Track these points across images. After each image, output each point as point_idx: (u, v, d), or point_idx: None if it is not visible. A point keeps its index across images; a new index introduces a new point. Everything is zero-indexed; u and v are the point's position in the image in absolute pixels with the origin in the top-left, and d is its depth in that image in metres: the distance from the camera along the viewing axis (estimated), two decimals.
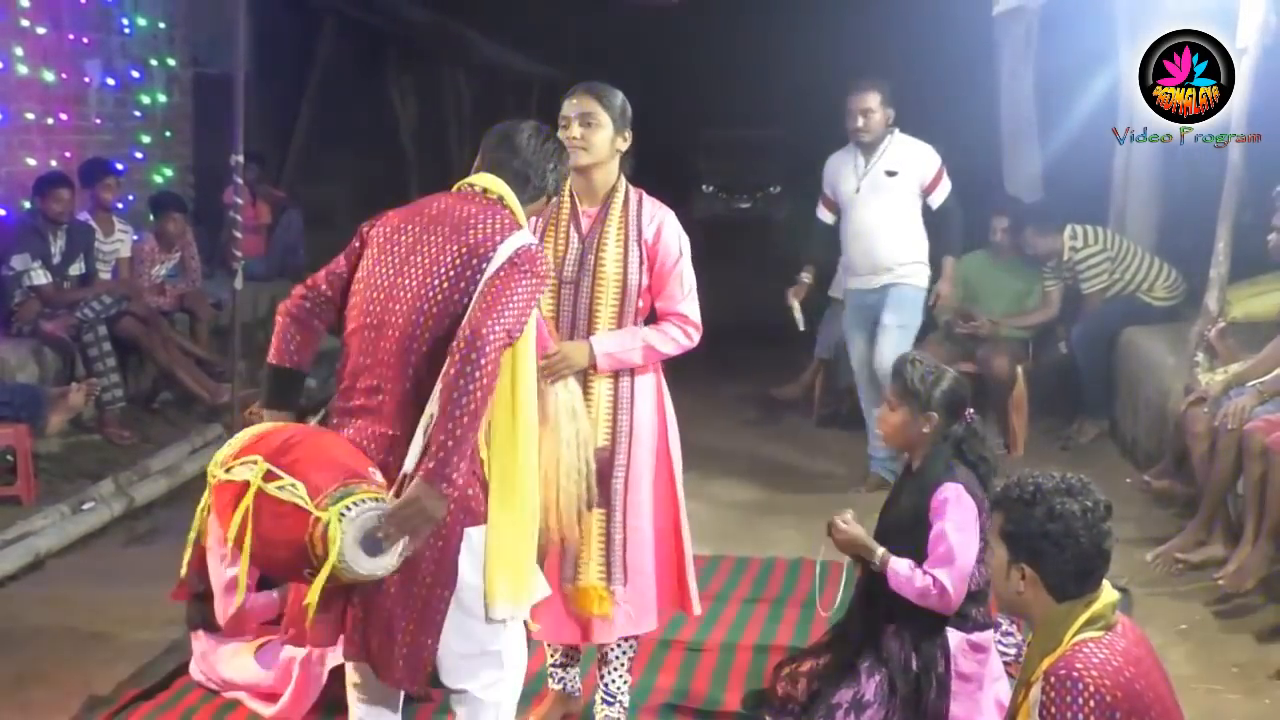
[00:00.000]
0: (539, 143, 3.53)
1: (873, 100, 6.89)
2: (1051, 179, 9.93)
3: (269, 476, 3.15)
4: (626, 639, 4.29)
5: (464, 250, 3.31)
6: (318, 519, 3.09)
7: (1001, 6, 9.32)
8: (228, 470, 3.25)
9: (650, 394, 4.19)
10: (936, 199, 7.03)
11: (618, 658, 4.32)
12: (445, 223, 3.37)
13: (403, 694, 3.58)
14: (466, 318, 3.20)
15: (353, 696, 3.56)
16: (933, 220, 7.10)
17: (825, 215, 7.31)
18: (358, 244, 3.50)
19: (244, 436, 3.35)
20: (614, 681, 4.34)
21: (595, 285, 4.08)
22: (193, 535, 3.48)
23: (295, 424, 3.50)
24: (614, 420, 4.11)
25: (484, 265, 3.27)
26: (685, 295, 4.14)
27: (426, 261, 3.33)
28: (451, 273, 3.30)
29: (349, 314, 3.44)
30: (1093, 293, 8.09)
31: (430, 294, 3.30)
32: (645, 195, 4.19)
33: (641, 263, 4.10)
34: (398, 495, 3.19)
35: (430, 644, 3.32)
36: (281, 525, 3.13)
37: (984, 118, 10.54)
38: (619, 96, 4.13)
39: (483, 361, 3.12)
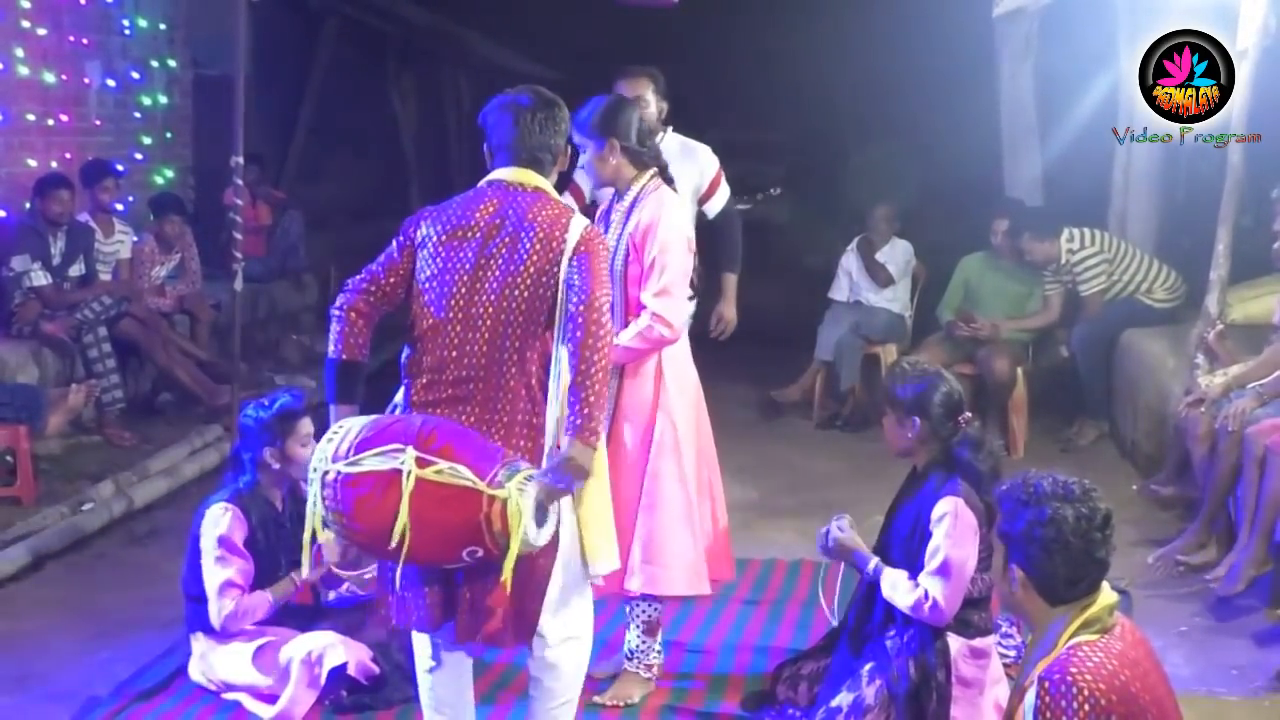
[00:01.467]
0: (535, 124, 3.70)
1: (645, 90, 5.34)
2: (1052, 181, 9.93)
3: (422, 463, 3.33)
4: (641, 601, 4.55)
5: (538, 247, 3.57)
6: (493, 497, 3.30)
7: (1002, 9, 9.32)
8: (353, 463, 3.37)
9: (642, 377, 4.41)
10: (714, 207, 5.76)
11: (636, 617, 4.61)
12: (508, 222, 3.61)
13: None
14: (577, 294, 3.52)
15: (427, 682, 3.83)
16: (709, 231, 5.79)
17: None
18: (406, 242, 3.69)
19: (352, 431, 3.47)
20: (631, 640, 4.65)
21: None
22: (309, 534, 3.55)
23: (400, 415, 3.65)
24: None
25: (560, 256, 3.56)
26: (656, 289, 4.33)
27: (501, 260, 3.58)
28: (532, 269, 3.57)
29: (422, 311, 3.63)
30: (1092, 295, 8.09)
31: (516, 291, 3.57)
32: (654, 193, 4.42)
33: (628, 253, 4.36)
34: None
35: (535, 608, 3.62)
36: (448, 508, 3.33)
37: (984, 120, 10.54)
38: (592, 113, 4.41)
39: (606, 324, 3.53)
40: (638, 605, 4.60)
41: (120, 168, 9.11)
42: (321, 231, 11.96)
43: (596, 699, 4.53)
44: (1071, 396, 8.33)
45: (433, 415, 3.58)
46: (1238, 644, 5.10)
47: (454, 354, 3.60)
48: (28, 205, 8.20)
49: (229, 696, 4.57)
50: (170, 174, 10.45)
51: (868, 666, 4.05)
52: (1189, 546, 5.75)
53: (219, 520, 4.55)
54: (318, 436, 3.88)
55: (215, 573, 4.52)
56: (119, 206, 9.00)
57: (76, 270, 8.09)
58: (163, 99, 10.39)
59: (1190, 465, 6.14)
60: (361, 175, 14.93)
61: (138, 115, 10.08)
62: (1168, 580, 5.68)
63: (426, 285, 3.64)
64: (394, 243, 3.73)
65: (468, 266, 3.60)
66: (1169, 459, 6.54)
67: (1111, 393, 8.12)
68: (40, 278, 7.78)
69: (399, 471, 3.34)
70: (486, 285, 3.59)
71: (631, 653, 4.67)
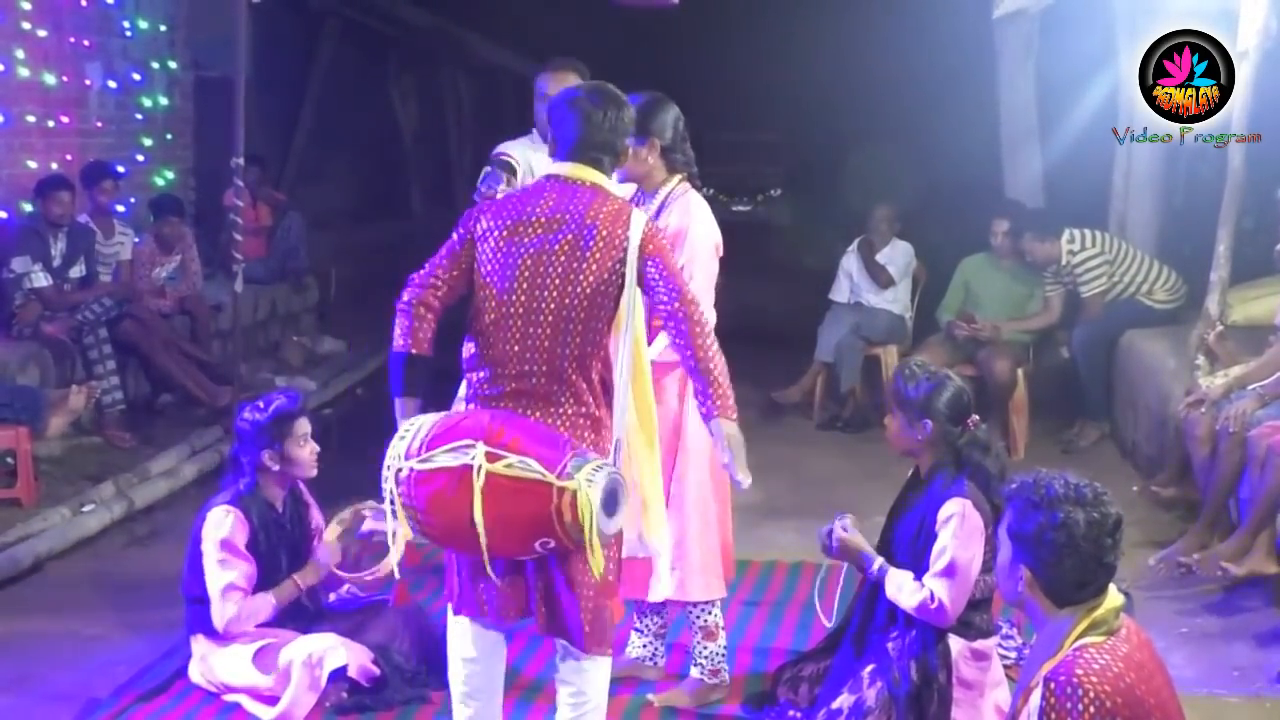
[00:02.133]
0: (604, 123, 3.74)
1: (572, 82, 4.67)
2: (1052, 183, 9.93)
3: (491, 457, 3.39)
4: (695, 606, 4.54)
5: (601, 244, 3.63)
6: (562, 489, 3.36)
7: (1001, 10, 9.32)
8: (425, 460, 3.43)
9: (670, 379, 4.38)
10: None
11: (691, 623, 4.61)
12: (569, 218, 3.65)
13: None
14: (666, 293, 3.66)
15: (462, 672, 3.85)
16: None
17: None
18: (466, 235, 3.72)
19: (423, 428, 3.52)
20: (692, 645, 4.64)
21: None
22: (400, 533, 3.58)
23: (469, 411, 3.72)
24: None
25: (624, 253, 3.64)
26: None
27: (564, 256, 3.62)
28: (595, 266, 3.62)
29: (484, 305, 3.67)
30: (1092, 296, 8.09)
31: (579, 287, 3.62)
32: (681, 198, 4.41)
33: None
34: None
35: (611, 604, 3.72)
36: (519, 500, 3.38)
37: (984, 121, 10.54)
38: (639, 110, 4.28)
39: (702, 309, 3.75)
40: (692, 611, 4.56)
41: (121, 169, 9.11)
42: (322, 233, 11.95)
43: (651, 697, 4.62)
44: (1072, 398, 8.32)
45: (499, 409, 3.64)
46: (1239, 645, 5.10)
47: (516, 348, 3.65)
48: (28, 207, 8.20)
49: (229, 698, 4.57)
50: (171, 175, 10.45)
51: (869, 668, 4.05)
52: (1190, 548, 5.74)
53: (221, 523, 4.55)
54: (376, 430, 3.92)
55: (218, 576, 4.51)
56: (119, 208, 9.00)
57: (77, 272, 8.09)
58: (163, 100, 10.38)
59: (1191, 466, 6.14)
60: (362, 177, 14.93)
61: (138, 117, 10.07)
62: (1169, 581, 5.67)
63: (488, 279, 3.67)
64: (454, 235, 3.76)
65: (529, 261, 3.64)
66: (1170, 460, 6.53)
67: (1112, 394, 8.11)
68: (41, 279, 7.78)
69: (469, 467, 3.40)
70: (549, 280, 3.63)
71: (693, 659, 4.64)
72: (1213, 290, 6.66)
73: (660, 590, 4.43)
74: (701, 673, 4.58)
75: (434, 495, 3.45)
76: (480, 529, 3.40)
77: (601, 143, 3.73)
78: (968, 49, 11.17)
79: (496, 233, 3.67)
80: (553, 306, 3.63)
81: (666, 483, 4.38)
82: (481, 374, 3.70)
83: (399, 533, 3.60)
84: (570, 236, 3.63)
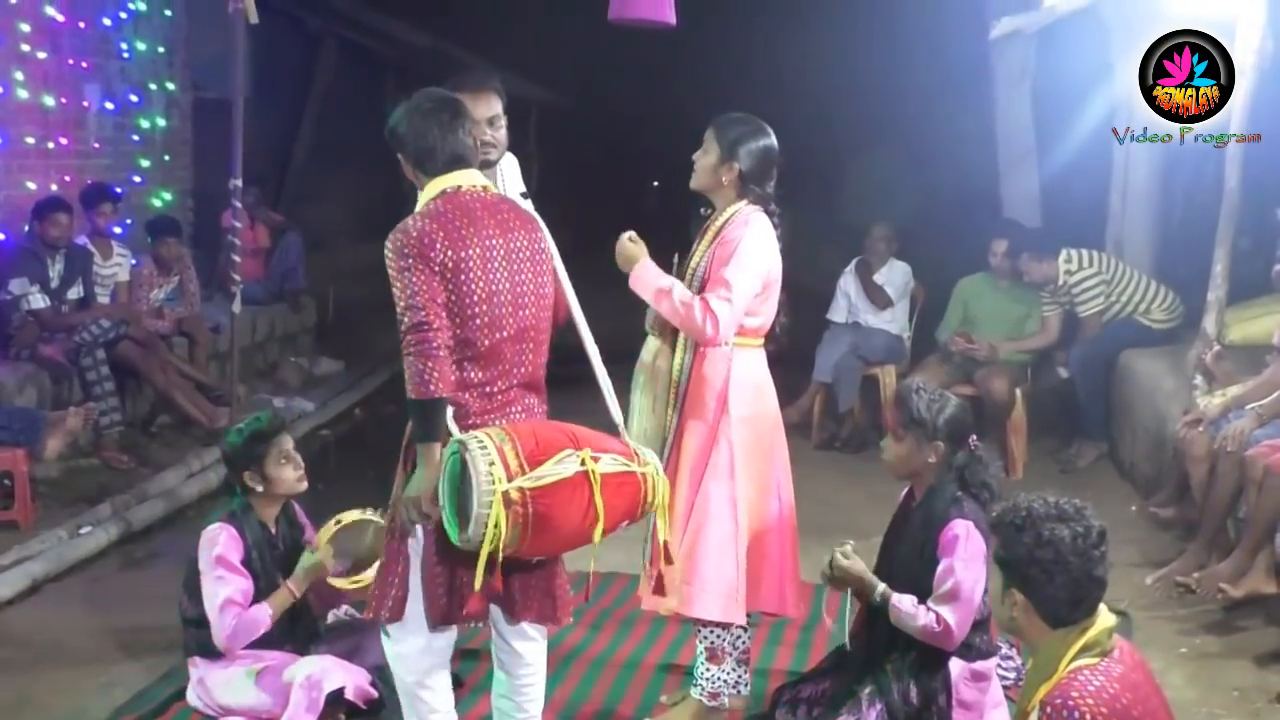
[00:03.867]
0: (460, 126, 3.76)
1: (497, 106, 4.43)
2: (1049, 203, 9.96)
3: (594, 459, 3.55)
4: (704, 626, 4.48)
5: (539, 245, 3.80)
6: (644, 474, 3.66)
7: (998, 32, 9.35)
8: (537, 478, 3.47)
9: (708, 398, 4.39)
10: None
11: (700, 642, 4.53)
12: (510, 225, 3.74)
13: None
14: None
15: (431, 691, 3.89)
16: None
17: None
18: (433, 267, 3.59)
19: (505, 447, 3.50)
20: (695, 664, 4.57)
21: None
22: (484, 560, 3.50)
23: (518, 423, 3.72)
24: (676, 401, 4.43)
25: (549, 250, 3.84)
26: (720, 292, 4.26)
27: (526, 264, 3.74)
28: (544, 266, 3.80)
29: (478, 332, 3.65)
30: (1090, 316, 8.10)
31: (545, 290, 3.80)
32: (745, 217, 4.39)
33: (707, 270, 4.36)
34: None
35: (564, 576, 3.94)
36: (624, 492, 3.61)
37: (981, 141, 10.57)
38: (736, 129, 4.43)
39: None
40: (701, 630, 4.52)
41: (119, 190, 9.11)
42: (320, 253, 11.96)
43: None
44: (1070, 417, 8.33)
45: (527, 417, 3.76)
46: (1238, 665, 5.09)
47: (518, 362, 3.74)
48: (26, 228, 8.20)
49: None
50: (169, 196, 10.46)
51: (868, 689, 4.03)
52: (1188, 567, 5.74)
53: (215, 539, 4.54)
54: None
55: (215, 592, 4.50)
56: (117, 229, 9.01)
57: (75, 293, 8.09)
58: (161, 122, 10.41)
59: (1189, 486, 6.14)
60: (360, 197, 14.92)
61: (136, 138, 10.09)
62: (1168, 602, 5.67)
63: (479, 309, 3.64)
64: (418, 271, 3.59)
65: (505, 281, 3.68)
66: (1168, 480, 6.54)
67: (1110, 413, 8.12)
68: (38, 301, 7.79)
69: (583, 473, 3.52)
70: (526, 293, 3.72)
71: (695, 679, 4.58)
72: (1210, 310, 6.67)
73: (670, 601, 4.39)
74: (700, 694, 4.53)
75: (559, 505, 3.50)
76: (600, 528, 3.54)
77: (466, 146, 3.76)
78: (965, 70, 11.20)
79: (476, 259, 3.63)
80: (535, 319, 3.75)
81: (691, 500, 4.38)
82: (485, 389, 3.70)
83: (486, 552, 3.51)
84: (522, 244, 3.74)
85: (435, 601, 3.74)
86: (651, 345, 4.49)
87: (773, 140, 4.46)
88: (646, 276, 4.35)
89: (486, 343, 3.66)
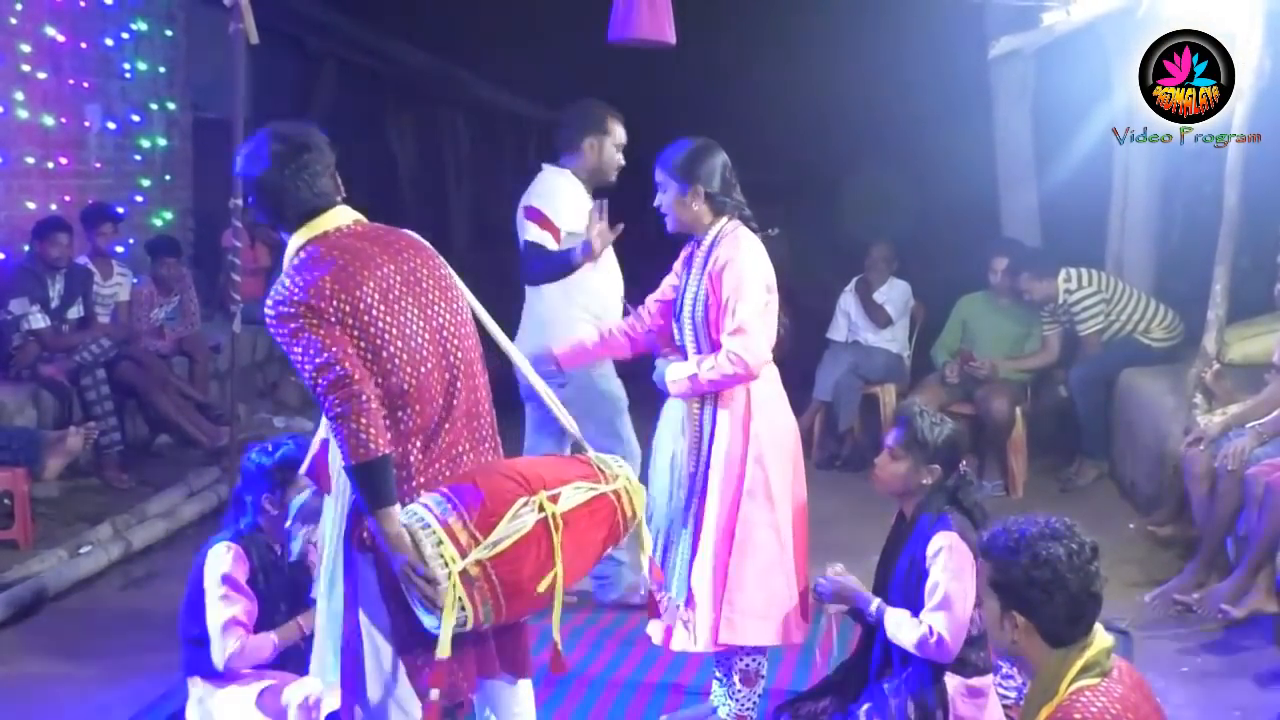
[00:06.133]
0: (323, 165, 3.67)
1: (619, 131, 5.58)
2: (1048, 221, 9.96)
3: (552, 500, 3.33)
4: (740, 651, 4.45)
5: (438, 269, 3.54)
6: (615, 491, 3.49)
7: (997, 51, 9.37)
8: (493, 545, 3.22)
9: (732, 427, 4.35)
10: None
11: (734, 668, 4.50)
12: (400, 250, 3.49)
13: None
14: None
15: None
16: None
17: (550, 242, 5.60)
18: (336, 318, 3.28)
19: (449, 517, 3.22)
20: (720, 688, 4.59)
21: (683, 317, 4.43)
22: (448, 633, 3.23)
23: (462, 477, 3.39)
24: (699, 448, 4.38)
25: (449, 272, 3.58)
26: (732, 329, 4.25)
27: (432, 289, 3.47)
28: (451, 289, 3.54)
29: (399, 372, 3.31)
30: (1090, 335, 8.11)
31: (462, 315, 3.53)
32: (731, 234, 4.39)
33: (707, 299, 4.32)
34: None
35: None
36: (598, 519, 3.44)
37: (980, 159, 10.58)
38: (681, 155, 4.43)
39: None
40: (736, 656, 4.48)
41: (120, 210, 9.13)
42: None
43: None
44: (1070, 436, 8.32)
45: (471, 465, 3.44)
46: (1240, 684, 5.08)
47: (457, 399, 3.42)
48: (26, 248, 8.22)
49: None
50: (170, 216, 10.48)
51: (865, 707, 4.03)
52: (1186, 586, 5.73)
53: (222, 558, 4.53)
54: None
55: (219, 611, 4.48)
56: (118, 249, 9.03)
57: (75, 313, 8.10)
58: (162, 141, 10.43)
59: (1189, 505, 6.13)
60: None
61: (137, 158, 10.12)
62: (1169, 621, 5.66)
63: (392, 349, 3.31)
64: (313, 328, 3.26)
65: (418, 318, 3.39)
66: (1168, 499, 6.53)
67: (1110, 432, 8.12)
68: (39, 320, 7.80)
69: (542, 521, 3.29)
70: (451, 324, 3.46)
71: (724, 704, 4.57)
72: (1210, 328, 6.67)
73: (724, 635, 4.34)
74: (729, 714, 4.50)
75: (521, 568, 3.26)
76: (559, 575, 3.30)
77: (331, 185, 3.62)
78: (964, 89, 11.21)
79: (376, 301, 3.32)
80: (469, 349, 3.50)
81: (730, 530, 4.33)
82: (426, 433, 3.36)
83: (447, 625, 3.23)
84: (427, 277, 3.47)
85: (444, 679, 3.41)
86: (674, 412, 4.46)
87: (717, 146, 4.50)
88: (676, 374, 4.36)
89: (412, 381, 3.31)
